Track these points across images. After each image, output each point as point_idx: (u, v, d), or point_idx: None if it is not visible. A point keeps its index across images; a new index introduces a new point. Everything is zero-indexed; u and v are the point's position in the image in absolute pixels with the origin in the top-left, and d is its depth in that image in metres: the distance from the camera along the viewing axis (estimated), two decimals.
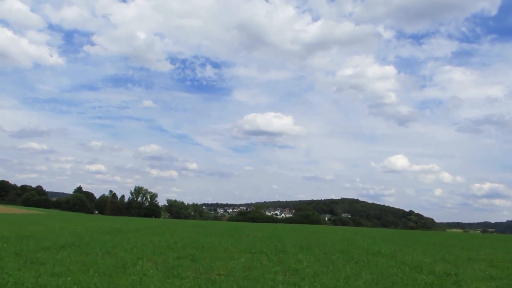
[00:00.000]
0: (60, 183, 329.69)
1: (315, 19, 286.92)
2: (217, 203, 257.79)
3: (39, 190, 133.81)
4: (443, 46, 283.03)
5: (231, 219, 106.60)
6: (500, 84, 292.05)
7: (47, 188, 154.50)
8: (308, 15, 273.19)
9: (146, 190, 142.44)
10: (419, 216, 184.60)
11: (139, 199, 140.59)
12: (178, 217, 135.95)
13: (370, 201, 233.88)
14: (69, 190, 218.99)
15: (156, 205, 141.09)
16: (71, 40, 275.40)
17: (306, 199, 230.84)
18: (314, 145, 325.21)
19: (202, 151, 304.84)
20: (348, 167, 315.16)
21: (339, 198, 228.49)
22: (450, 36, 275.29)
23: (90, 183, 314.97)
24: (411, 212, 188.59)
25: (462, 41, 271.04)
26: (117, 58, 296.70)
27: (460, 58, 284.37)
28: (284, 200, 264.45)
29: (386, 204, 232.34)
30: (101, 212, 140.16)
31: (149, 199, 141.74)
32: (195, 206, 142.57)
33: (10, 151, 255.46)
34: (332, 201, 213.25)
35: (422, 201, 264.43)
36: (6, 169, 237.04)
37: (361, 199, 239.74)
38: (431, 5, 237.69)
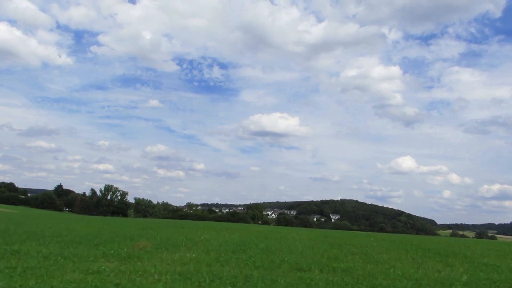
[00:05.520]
0: (69, 182, 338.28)
1: (319, 20, 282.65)
2: (217, 203, 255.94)
3: (10, 186, 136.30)
4: (451, 47, 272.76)
5: (165, 216, 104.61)
6: (508, 85, 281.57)
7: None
8: (312, 16, 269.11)
9: (117, 188, 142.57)
10: (409, 217, 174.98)
11: (108, 197, 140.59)
12: (144, 216, 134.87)
13: (369, 202, 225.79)
14: (78, 189, 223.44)
15: (125, 203, 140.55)
16: (79, 40, 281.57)
17: (311, 199, 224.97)
18: (321, 146, 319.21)
19: (209, 151, 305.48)
20: (355, 168, 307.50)
21: (338, 199, 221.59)
22: (458, 37, 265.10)
23: (98, 182, 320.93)
24: (401, 213, 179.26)
25: (470, 42, 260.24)
26: (126, 58, 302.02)
27: (468, 59, 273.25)
28: (283, 201, 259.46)
29: (385, 206, 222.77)
30: (71, 210, 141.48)
31: (119, 197, 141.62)
32: (164, 205, 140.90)
33: (19, 150, 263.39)
34: (323, 202, 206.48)
35: (431, 202, 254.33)
36: (15, 167, 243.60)
37: (368, 201, 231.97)
38: (435, 6, 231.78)
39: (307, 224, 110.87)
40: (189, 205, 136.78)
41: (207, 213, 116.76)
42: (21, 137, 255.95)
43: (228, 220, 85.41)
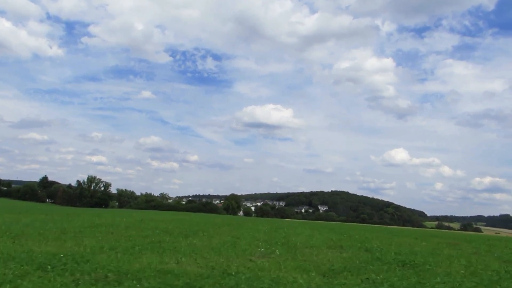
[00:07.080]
0: (62, 174, 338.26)
1: (312, 11, 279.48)
2: (209, 195, 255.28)
3: None
4: (445, 40, 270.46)
5: (137, 207, 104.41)
6: (501, 78, 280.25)
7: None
8: (305, 7, 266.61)
9: (99, 179, 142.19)
10: (397, 208, 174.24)
11: (91, 188, 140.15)
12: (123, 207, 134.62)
13: (360, 194, 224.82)
14: (70, 181, 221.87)
15: (108, 195, 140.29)
16: (70, 31, 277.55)
17: (303, 191, 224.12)
18: (314, 138, 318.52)
19: (203, 142, 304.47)
20: (348, 160, 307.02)
21: (328, 191, 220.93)
22: (452, 30, 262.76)
23: (91, 174, 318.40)
24: (389, 204, 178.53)
25: (464, 35, 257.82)
26: (118, 49, 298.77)
27: (462, 52, 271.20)
28: (275, 192, 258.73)
29: (376, 197, 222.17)
30: (53, 202, 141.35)
31: (102, 189, 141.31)
32: (147, 196, 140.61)
33: (11, 142, 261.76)
34: (312, 193, 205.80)
35: (423, 194, 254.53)
36: (8, 159, 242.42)
37: (359, 192, 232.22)
38: None
39: (284, 215, 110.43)
40: (162, 196, 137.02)
41: (182, 204, 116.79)
42: (13, 129, 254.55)
43: (199, 210, 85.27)
